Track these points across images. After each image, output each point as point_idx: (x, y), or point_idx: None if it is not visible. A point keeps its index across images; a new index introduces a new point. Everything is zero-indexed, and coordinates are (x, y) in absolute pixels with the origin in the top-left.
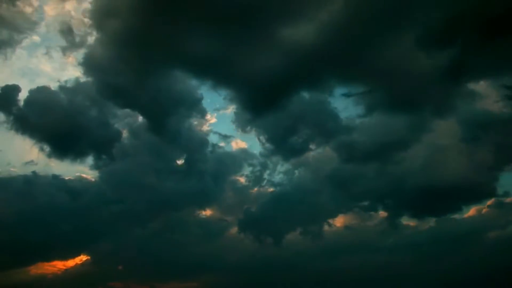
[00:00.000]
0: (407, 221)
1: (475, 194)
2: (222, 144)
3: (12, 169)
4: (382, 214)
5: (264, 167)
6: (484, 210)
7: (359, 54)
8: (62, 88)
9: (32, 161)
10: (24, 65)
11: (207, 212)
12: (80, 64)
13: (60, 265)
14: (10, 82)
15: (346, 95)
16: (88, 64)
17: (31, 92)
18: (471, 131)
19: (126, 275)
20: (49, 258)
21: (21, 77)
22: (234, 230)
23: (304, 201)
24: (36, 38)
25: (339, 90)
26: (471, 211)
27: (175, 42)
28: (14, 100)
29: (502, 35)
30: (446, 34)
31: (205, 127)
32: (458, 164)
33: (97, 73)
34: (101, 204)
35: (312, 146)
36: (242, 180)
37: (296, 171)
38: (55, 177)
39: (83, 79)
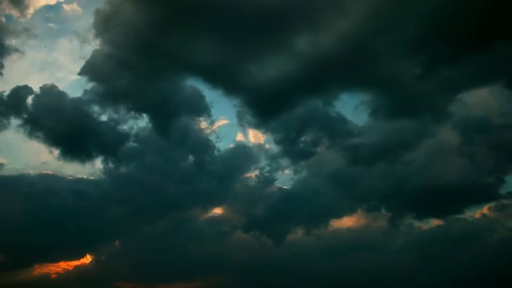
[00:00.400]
0: (410, 221)
1: (479, 196)
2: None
3: (20, 169)
4: (386, 214)
5: (272, 168)
6: (488, 212)
7: (364, 62)
8: (69, 89)
9: (43, 162)
10: (44, 59)
11: (213, 212)
12: (87, 67)
13: (64, 265)
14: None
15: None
16: (95, 67)
17: (37, 96)
18: (471, 135)
19: (130, 276)
20: (53, 259)
21: (41, 71)
22: (239, 230)
23: (309, 202)
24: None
25: (343, 96)
26: (476, 213)
27: (185, 49)
28: (23, 104)
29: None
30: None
31: (212, 131)
32: (461, 166)
33: (104, 77)
34: (108, 204)
35: (318, 149)
36: (249, 181)
37: (302, 173)
38: (61, 178)
39: (90, 82)
